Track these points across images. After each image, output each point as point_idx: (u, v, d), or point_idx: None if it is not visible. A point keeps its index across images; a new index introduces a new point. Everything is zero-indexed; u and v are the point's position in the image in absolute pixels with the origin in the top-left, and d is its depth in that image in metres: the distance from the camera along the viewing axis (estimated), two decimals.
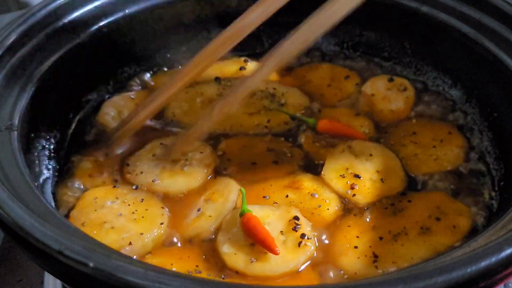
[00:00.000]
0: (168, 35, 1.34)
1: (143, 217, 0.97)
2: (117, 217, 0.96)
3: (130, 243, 0.92)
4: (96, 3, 1.20)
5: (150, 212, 0.98)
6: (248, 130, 1.15)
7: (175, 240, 0.95)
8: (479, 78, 1.18)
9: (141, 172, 1.06)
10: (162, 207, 1.00)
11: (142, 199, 1.00)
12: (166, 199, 1.02)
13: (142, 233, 0.94)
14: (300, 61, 1.37)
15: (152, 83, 1.31)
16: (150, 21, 1.30)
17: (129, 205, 0.99)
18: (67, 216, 0.98)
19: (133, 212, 0.98)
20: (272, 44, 1.37)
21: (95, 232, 0.93)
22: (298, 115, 1.17)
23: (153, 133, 1.16)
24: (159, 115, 1.18)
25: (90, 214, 0.97)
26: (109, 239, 0.92)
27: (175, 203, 1.01)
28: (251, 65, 1.34)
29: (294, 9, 1.36)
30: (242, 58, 1.35)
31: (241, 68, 1.32)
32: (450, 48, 1.22)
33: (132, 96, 1.25)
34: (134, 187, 1.03)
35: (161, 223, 0.97)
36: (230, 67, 1.32)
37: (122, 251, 0.91)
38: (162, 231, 0.96)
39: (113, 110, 1.20)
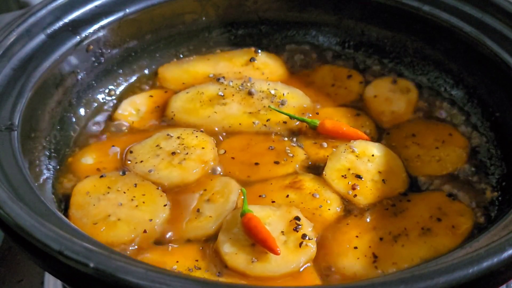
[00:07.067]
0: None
1: (144, 202, 0.98)
2: (118, 207, 0.96)
3: (145, 231, 0.93)
4: (96, 3, 1.20)
5: (148, 196, 0.99)
6: (247, 129, 1.15)
7: (173, 239, 0.95)
8: (481, 78, 1.18)
9: (141, 161, 1.06)
10: (158, 188, 1.01)
11: (135, 184, 1.01)
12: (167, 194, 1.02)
13: (151, 219, 0.95)
14: (302, 63, 1.37)
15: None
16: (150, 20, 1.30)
17: (124, 192, 0.99)
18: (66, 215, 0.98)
19: (132, 199, 0.98)
20: (283, 39, 1.39)
21: (103, 228, 0.93)
22: (298, 116, 1.16)
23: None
24: (160, 114, 1.19)
25: (90, 210, 0.96)
26: (121, 231, 0.93)
27: (173, 198, 1.01)
28: (262, 56, 1.34)
29: (302, 7, 1.37)
30: (253, 49, 1.35)
31: (252, 59, 1.32)
32: (451, 48, 1.22)
33: (151, 95, 1.26)
34: (121, 173, 1.04)
35: (164, 205, 0.98)
36: (240, 58, 1.33)
37: (137, 240, 0.92)
38: (167, 212, 0.97)
39: (132, 108, 1.22)
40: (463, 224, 0.96)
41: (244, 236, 0.91)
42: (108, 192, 0.99)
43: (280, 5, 1.38)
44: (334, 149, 1.09)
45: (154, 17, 1.30)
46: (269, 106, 1.17)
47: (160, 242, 0.94)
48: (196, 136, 1.11)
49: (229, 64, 1.33)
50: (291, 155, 1.09)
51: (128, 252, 0.92)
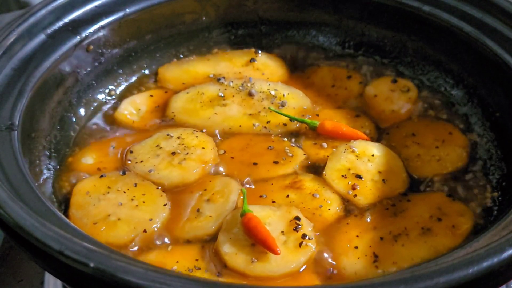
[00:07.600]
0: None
1: (144, 202, 0.98)
2: (118, 207, 0.97)
3: (145, 231, 0.93)
4: (96, 3, 1.20)
5: (148, 196, 0.99)
6: (247, 131, 1.15)
7: (173, 239, 0.95)
8: (481, 78, 1.18)
9: (141, 161, 1.06)
10: (158, 188, 1.01)
11: (135, 184, 1.01)
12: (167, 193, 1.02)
13: (151, 219, 0.95)
14: (302, 64, 1.37)
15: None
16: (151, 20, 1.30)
17: (124, 192, 0.99)
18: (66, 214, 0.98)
19: (132, 199, 0.98)
20: (283, 39, 1.39)
21: (103, 228, 0.93)
22: (298, 117, 1.16)
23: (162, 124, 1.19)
24: (160, 113, 1.20)
25: (90, 210, 0.97)
26: (121, 231, 0.93)
27: (173, 198, 1.01)
28: (262, 57, 1.34)
29: (302, 7, 1.37)
30: (253, 49, 1.35)
31: (252, 60, 1.32)
32: (452, 48, 1.22)
33: (151, 95, 1.26)
34: (121, 173, 1.04)
35: (164, 204, 0.98)
36: (240, 58, 1.33)
37: (137, 239, 0.92)
38: (167, 212, 0.97)
39: (132, 108, 1.22)
40: (463, 224, 0.96)
41: (244, 236, 0.91)
42: (108, 192, 0.99)
43: (280, 5, 1.38)
44: (334, 149, 1.09)
45: (154, 17, 1.30)
46: (269, 108, 1.17)
47: (160, 242, 0.94)
48: (196, 136, 1.11)
49: (229, 64, 1.33)
50: (291, 154, 1.09)
51: (129, 251, 0.92)
